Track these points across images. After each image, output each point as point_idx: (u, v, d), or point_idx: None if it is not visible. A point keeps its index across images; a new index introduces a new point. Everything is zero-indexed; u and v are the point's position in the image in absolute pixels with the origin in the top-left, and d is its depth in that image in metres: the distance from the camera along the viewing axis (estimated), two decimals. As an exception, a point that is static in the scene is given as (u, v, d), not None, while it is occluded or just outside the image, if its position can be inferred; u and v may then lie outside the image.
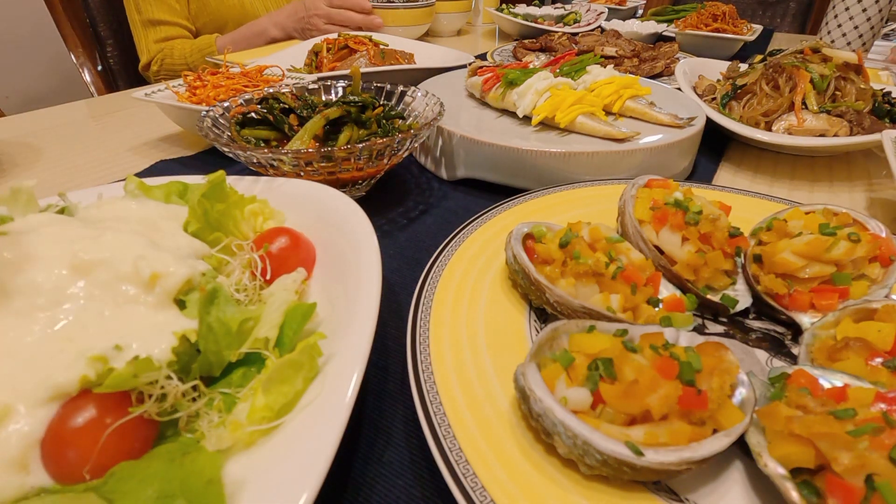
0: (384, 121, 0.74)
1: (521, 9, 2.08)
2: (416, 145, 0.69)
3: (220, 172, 0.50)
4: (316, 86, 0.83)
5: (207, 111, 0.71)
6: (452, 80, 1.05)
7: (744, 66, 1.07)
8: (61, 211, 0.46)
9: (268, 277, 0.47)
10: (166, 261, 0.39)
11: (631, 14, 2.41)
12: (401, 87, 0.82)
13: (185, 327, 0.36)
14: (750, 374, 0.39)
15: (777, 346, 0.48)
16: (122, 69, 1.79)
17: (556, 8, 2.17)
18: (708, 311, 0.52)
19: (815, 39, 1.11)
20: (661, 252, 0.53)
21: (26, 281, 0.36)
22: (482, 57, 1.55)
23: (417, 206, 0.77)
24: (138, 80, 1.72)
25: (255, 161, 0.63)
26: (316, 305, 0.42)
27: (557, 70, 0.94)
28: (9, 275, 0.36)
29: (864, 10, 1.60)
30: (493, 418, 0.38)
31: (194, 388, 0.35)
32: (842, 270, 0.49)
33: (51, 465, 0.31)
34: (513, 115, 0.88)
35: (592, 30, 1.88)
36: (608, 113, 0.86)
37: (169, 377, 0.33)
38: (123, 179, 0.53)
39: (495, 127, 0.84)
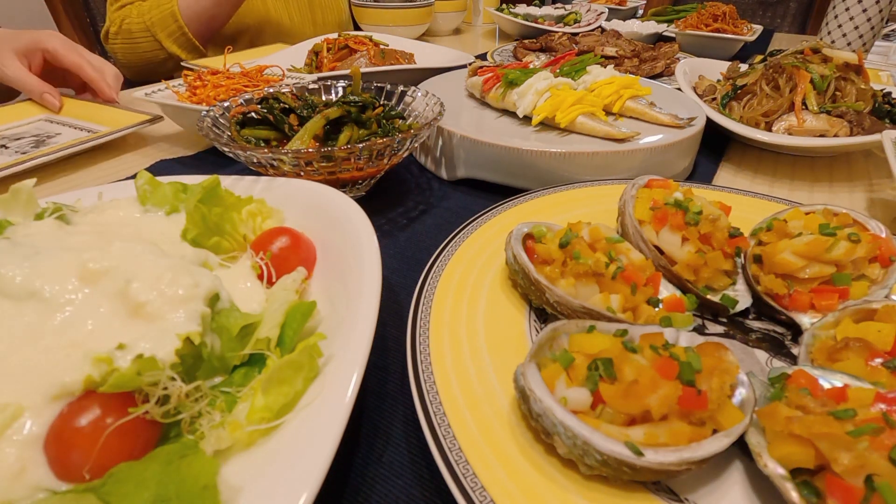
0: (384, 121, 0.74)
1: (522, 9, 2.08)
2: (416, 145, 0.69)
3: (214, 177, 0.50)
4: (316, 86, 0.83)
5: (207, 111, 0.71)
6: (452, 80, 1.05)
7: (744, 67, 1.07)
8: (60, 216, 0.46)
9: (274, 280, 0.47)
10: (190, 275, 0.39)
11: (631, 14, 2.41)
12: (401, 87, 0.82)
13: (189, 330, 0.36)
14: (750, 375, 0.39)
15: (777, 347, 0.48)
16: (122, 69, 1.79)
17: (556, 8, 2.17)
18: (708, 311, 0.52)
19: (816, 40, 1.11)
20: (661, 252, 0.53)
21: (36, 289, 0.36)
22: (482, 57, 1.55)
23: (417, 206, 0.77)
24: (138, 80, 1.72)
25: (255, 161, 0.63)
26: (316, 304, 0.42)
27: (557, 70, 0.94)
28: (19, 284, 0.36)
29: (865, 11, 1.60)
30: (493, 418, 0.38)
31: (196, 388, 0.35)
32: (842, 271, 0.49)
33: (53, 464, 0.31)
34: (513, 115, 0.88)
35: (592, 30, 1.88)
36: (608, 113, 0.86)
37: (173, 378, 0.33)
38: (123, 179, 0.53)
39: (495, 127, 0.84)
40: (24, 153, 0.84)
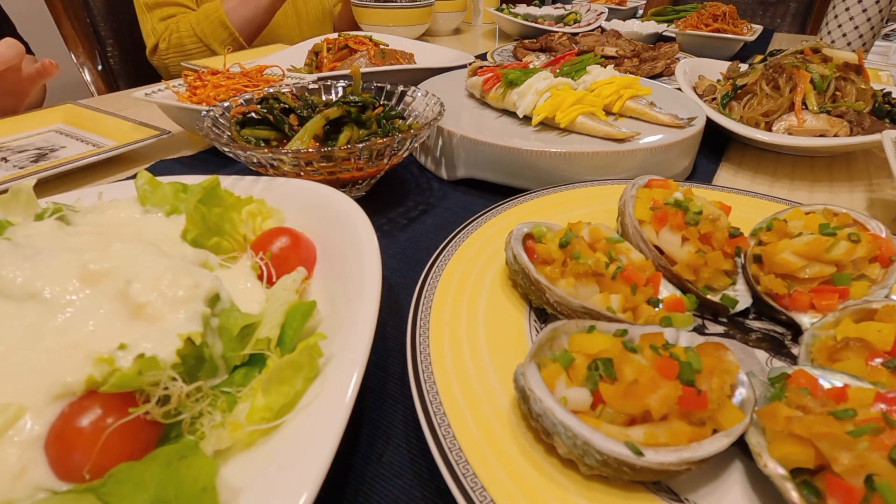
0: (384, 121, 0.74)
1: (522, 9, 2.08)
2: (416, 145, 0.69)
3: (214, 178, 0.50)
4: (316, 86, 0.83)
5: (207, 111, 0.71)
6: (452, 80, 1.05)
7: (744, 67, 1.07)
8: (60, 217, 0.46)
9: (274, 280, 0.47)
10: (191, 276, 0.39)
11: (631, 14, 2.41)
12: (401, 87, 0.82)
13: (189, 330, 0.36)
14: (750, 375, 0.39)
15: (777, 347, 0.48)
16: (122, 69, 1.79)
17: (556, 8, 2.17)
18: (708, 311, 0.52)
19: (816, 39, 1.11)
20: (661, 252, 0.53)
21: (37, 290, 0.36)
22: (482, 57, 1.55)
23: (417, 206, 0.77)
24: (138, 80, 1.72)
25: (255, 161, 0.63)
26: (316, 304, 0.42)
27: (557, 70, 0.94)
28: (20, 284, 0.36)
29: (864, 11, 1.60)
30: (493, 418, 0.38)
31: (197, 389, 0.35)
32: (842, 271, 0.49)
33: (53, 464, 0.31)
34: (513, 115, 0.88)
35: (592, 30, 1.88)
36: (608, 113, 0.86)
37: (174, 378, 0.33)
38: (123, 179, 0.53)
39: (495, 127, 0.84)
40: (22, 168, 0.85)
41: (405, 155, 0.71)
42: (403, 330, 0.51)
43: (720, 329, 0.50)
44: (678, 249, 0.52)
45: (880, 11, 1.60)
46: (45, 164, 0.83)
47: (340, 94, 0.83)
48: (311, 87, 0.83)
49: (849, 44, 1.65)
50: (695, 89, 1.07)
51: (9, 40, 1.00)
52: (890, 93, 0.96)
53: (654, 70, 1.33)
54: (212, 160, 0.91)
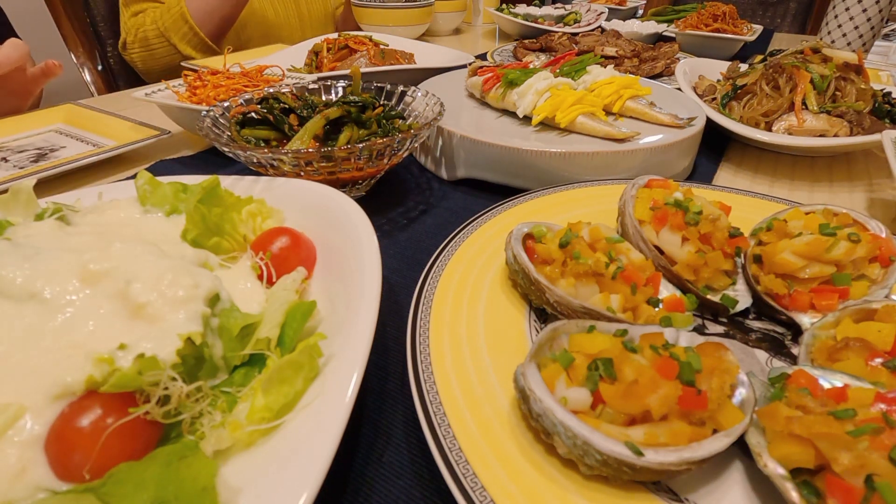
0: (384, 121, 0.74)
1: (522, 9, 2.08)
2: (416, 145, 0.69)
3: (214, 178, 0.50)
4: (316, 86, 0.83)
5: (207, 111, 0.71)
6: (452, 80, 1.05)
7: (744, 67, 1.07)
8: (60, 217, 0.46)
9: (274, 280, 0.47)
10: (191, 276, 0.39)
11: (631, 14, 2.41)
12: (401, 87, 0.82)
13: (189, 330, 0.36)
14: (750, 375, 0.39)
15: (777, 347, 0.48)
16: (122, 69, 1.79)
17: (556, 8, 2.17)
18: (708, 311, 0.52)
19: (816, 39, 1.11)
20: (662, 252, 0.53)
21: (37, 290, 0.36)
22: (482, 57, 1.55)
23: (417, 206, 0.77)
24: (138, 80, 1.72)
25: (255, 161, 0.63)
26: (316, 304, 0.42)
27: (557, 70, 0.94)
28: (20, 284, 0.36)
29: (864, 11, 1.60)
30: (493, 418, 0.38)
31: (198, 389, 0.35)
32: (842, 271, 0.49)
33: (53, 464, 0.31)
34: (513, 115, 0.88)
35: (592, 30, 1.88)
36: (608, 113, 0.86)
37: (174, 378, 0.33)
38: (123, 179, 0.53)
39: (495, 127, 0.84)
40: (22, 168, 0.85)
41: (405, 155, 0.71)
42: (403, 330, 0.51)
43: (720, 329, 0.50)
44: (678, 249, 0.52)
45: (880, 11, 1.60)
46: (45, 164, 0.83)
47: (340, 94, 0.83)
48: (311, 87, 0.83)
49: (849, 44, 1.65)
50: (695, 89, 1.07)
51: (14, 41, 1.00)
52: (890, 93, 0.96)
53: (654, 70, 1.33)
54: (212, 160, 0.91)
